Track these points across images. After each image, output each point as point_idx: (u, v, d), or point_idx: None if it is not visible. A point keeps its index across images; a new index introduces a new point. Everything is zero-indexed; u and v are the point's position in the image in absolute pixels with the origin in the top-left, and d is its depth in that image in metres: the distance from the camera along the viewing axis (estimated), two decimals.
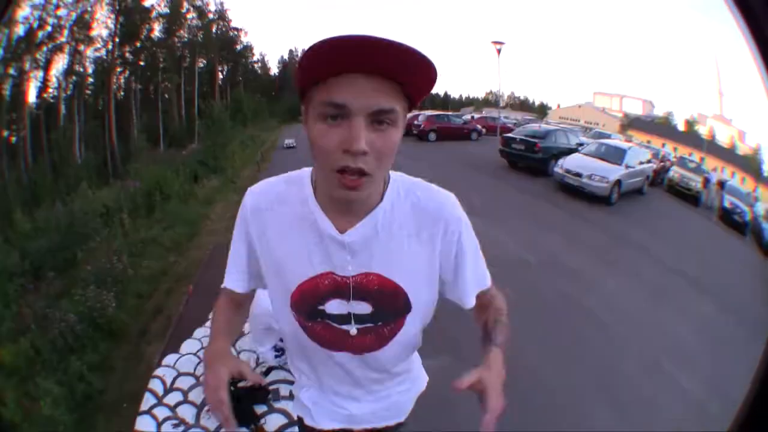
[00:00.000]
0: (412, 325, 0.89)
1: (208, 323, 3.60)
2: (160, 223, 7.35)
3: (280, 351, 2.53)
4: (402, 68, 0.61)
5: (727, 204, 11.84)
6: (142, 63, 18.48)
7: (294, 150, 15.04)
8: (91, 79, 16.20)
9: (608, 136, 15.79)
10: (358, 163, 0.64)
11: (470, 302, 0.89)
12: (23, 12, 13.71)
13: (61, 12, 15.06)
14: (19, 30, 13.62)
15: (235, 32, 25.33)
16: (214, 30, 22.74)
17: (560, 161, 10.46)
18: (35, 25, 14.00)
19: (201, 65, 22.05)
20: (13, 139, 12.98)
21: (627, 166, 10.21)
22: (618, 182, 9.63)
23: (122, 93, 17.45)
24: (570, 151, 11.45)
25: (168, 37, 19.52)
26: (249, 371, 0.80)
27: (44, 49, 14.43)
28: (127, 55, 17.68)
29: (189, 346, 3.34)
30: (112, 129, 15.35)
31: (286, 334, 0.95)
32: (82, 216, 6.63)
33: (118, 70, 17.10)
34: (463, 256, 0.85)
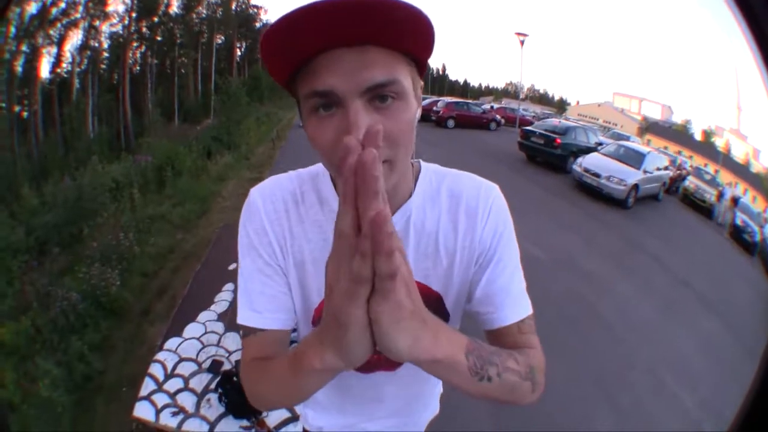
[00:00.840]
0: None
1: (213, 307, 3.55)
2: (171, 200, 7.26)
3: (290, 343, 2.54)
4: (390, 29, 0.49)
5: (738, 222, 11.77)
6: (158, 38, 18.30)
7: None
8: (106, 54, 16.08)
9: (627, 138, 15.71)
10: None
11: (500, 320, 0.70)
12: None
13: None
14: (32, 8, 13.49)
15: (255, 10, 24.96)
16: (233, 7, 22.45)
17: (579, 159, 10.39)
18: (48, 1, 13.87)
19: (219, 41, 21.87)
20: (25, 114, 12.90)
21: (645, 171, 10.14)
22: (635, 186, 9.55)
23: (138, 68, 17.31)
24: (589, 149, 11.39)
25: (186, 13, 19.33)
26: None
27: (58, 25, 14.30)
28: (144, 30, 17.52)
29: (192, 330, 3.29)
30: (126, 103, 15.26)
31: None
32: (90, 191, 6.51)
33: (134, 45, 16.93)
34: (500, 261, 0.72)
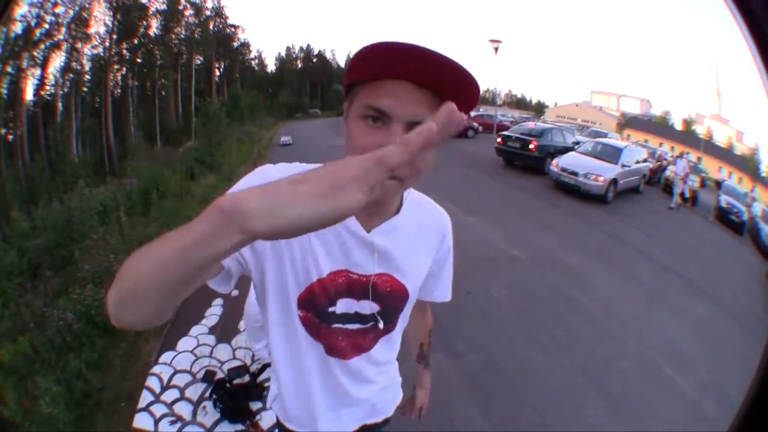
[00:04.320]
0: (402, 322, 0.98)
1: (203, 321, 3.68)
2: (157, 221, 7.35)
3: None
4: (450, 85, 0.62)
5: (723, 204, 11.93)
6: (139, 60, 18.43)
7: (290, 147, 15.15)
8: (88, 77, 16.21)
9: (605, 135, 15.81)
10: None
11: (432, 296, 1.04)
12: (21, 10, 13.72)
13: (59, 9, 15.08)
14: (17, 28, 13.64)
15: (232, 29, 25.26)
16: (211, 27, 22.78)
17: (556, 159, 10.49)
18: (33, 23, 14.03)
19: (198, 62, 22.07)
20: (11, 137, 13.02)
21: (623, 165, 10.26)
22: (614, 181, 9.68)
23: (119, 90, 17.44)
24: (566, 149, 11.50)
25: (165, 34, 19.50)
26: None
27: (42, 46, 14.44)
28: (125, 52, 17.66)
29: (185, 343, 3.42)
30: (109, 126, 15.41)
31: (278, 339, 0.91)
32: (79, 214, 6.59)
33: (115, 67, 17.10)
34: (447, 265, 1.02)
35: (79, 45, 15.68)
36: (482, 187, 9.84)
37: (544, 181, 10.60)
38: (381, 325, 0.89)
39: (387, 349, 0.99)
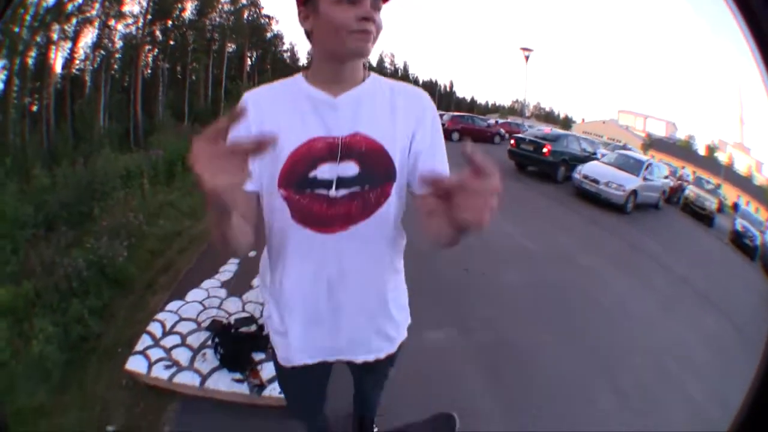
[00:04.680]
0: (394, 198, 0.98)
1: (216, 276, 3.66)
2: (180, 190, 7.44)
3: None
4: None
5: (739, 227, 11.78)
6: (171, 42, 18.48)
7: None
8: (119, 55, 16.27)
9: (627, 148, 15.61)
10: (367, 26, 0.86)
11: (445, 170, 1.00)
12: None
13: None
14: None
15: (266, 20, 25.17)
16: (245, 16, 22.71)
17: (579, 167, 10.39)
18: None
19: (230, 49, 22.08)
20: (35, 107, 13.23)
21: (645, 179, 10.20)
22: (634, 192, 9.62)
23: (149, 71, 17.49)
24: (581, 158, 11.29)
25: (199, 19, 19.53)
26: None
27: (73, 21, 14.46)
28: (157, 33, 17.74)
29: (195, 294, 3.40)
30: (137, 102, 15.45)
31: (272, 230, 1.02)
32: (103, 174, 6.67)
33: (147, 47, 17.08)
34: (437, 135, 1.01)
35: (112, 23, 15.71)
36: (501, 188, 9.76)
37: (566, 188, 10.51)
38: (367, 186, 0.94)
39: (383, 232, 1.01)
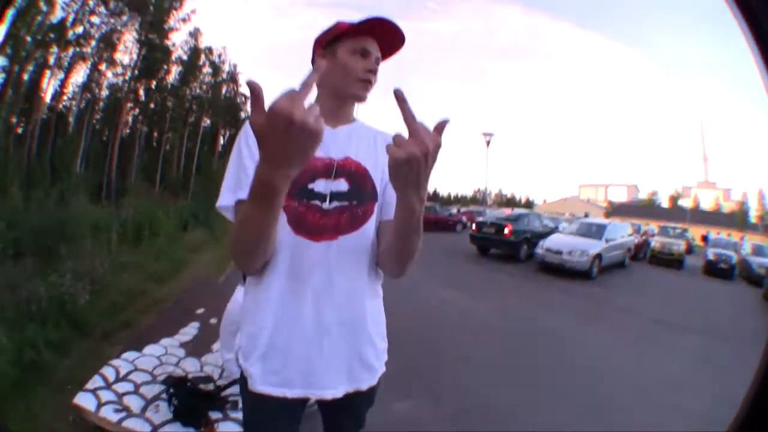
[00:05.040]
0: (375, 216, 1.15)
1: (176, 336, 3.58)
2: (145, 255, 7.42)
3: None
4: (396, 43, 1.16)
5: (711, 256, 12.17)
6: (152, 105, 18.82)
7: None
8: (103, 104, 16.52)
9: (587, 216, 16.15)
10: (370, 77, 1.14)
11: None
12: None
13: (95, 19, 15.44)
14: (56, 15, 14.00)
15: (242, 98, 25.76)
16: (223, 91, 23.36)
17: (541, 242, 10.52)
18: (70, 18, 14.35)
19: (206, 124, 22.50)
20: (20, 129, 13.37)
21: (607, 240, 10.42)
22: (598, 256, 9.79)
23: (128, 130, 17.68)
24: (544, 234, 11.43)
25: (181, 87, 20.02)
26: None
27: (70, 50, 14.73)
28: (141, 92, 18.09)
29: (153, 349, 3.29)
30: (113, 158, 15.51)
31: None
32: (74, 219, 6.70)
33: (129, 104, 17.40)
34: None
35: (103, 67, 16.06)
36: (466, 271, 9.93)
37: (530, 265, 10.59)
38: (355, 202, 1.11)
39: (366, 248, 1.14)
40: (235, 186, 1.05)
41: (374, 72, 1.13)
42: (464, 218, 19.25)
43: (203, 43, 20.98)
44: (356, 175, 1.13)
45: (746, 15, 0.59)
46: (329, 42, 1.15)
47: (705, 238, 15.44)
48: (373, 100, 1.20)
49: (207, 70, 21.86)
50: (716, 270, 11.75)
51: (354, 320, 1.13)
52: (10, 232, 6.10)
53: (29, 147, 12.87)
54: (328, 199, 1.09)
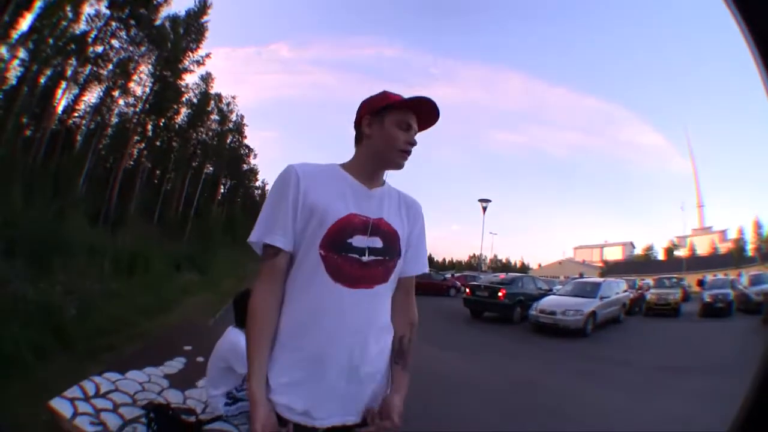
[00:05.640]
0: (398, 269, 1.26)
1: (161, 367, 3.46)
2: (137, 287, 7.37)
3: (231, 399, 2.44)
4: (430, 118, 1.27)
5: (707, 298, 12.13)
6: (158, 143, 19.11)
7: None
8: (111, 131, 16.76)
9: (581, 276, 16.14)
10: (410, 149, 1.24)
11: (414, 269, 1.33)
12: (90, 10, 14.50)
13: (114, 43, 15.84)
14: (80, 26, 14.36)
15: (246, 150, 26.84)
16: (228, 140, 24.18)
17: (535, 304, 10.43)
18: (92, 35, 14.66)
19: (208, 170, 23.12)
20: (29, 132, 13.43)
21: (602, 298, 10.31)
22: (593, 314, 9.64)
23: (132, 163, 17.84)
24: (538, 296, 11.35)
25: (188, 129, 20.39)
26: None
27: (88, 68, 15.04)
28: (149, 128, 18.34)
29: (136, 375, 3.13)
30: (115, 186, 15.48)
31: (301, 283, 1.18)
32: (72, 232, 6.66)
33: (136, 137, 17.54)
34: (420, 238, 1.34)
35: (116, 93, 16.41)
36: (459, 333, 9.75)
37: (524, 327, 10.47)
38: (387, 257, 1.22)
39: (389, 294, 1.27)
40: (266, 227, 1.17)
41: (413, 144, 1.24)
42: (458, 283, 19.17)
43: (214, 89, 21.61)
44: (388, 235, 1.24)
45: (746, 15, 0.60)
46: (378, 110, 1.24)
47: (701, 283, 15.46)
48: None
49: (215, 117, 22.41)
50: (713, 310, 11.82)
51: (379, 359, 1.23)
52: (4, 230, 6.10)
53: (35, 153, 12.98)
54: (367, 253, 1.18)
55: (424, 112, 1.25)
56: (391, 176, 1.32)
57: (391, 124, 1.22)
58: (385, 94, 1.27)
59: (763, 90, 0.59)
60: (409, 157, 1.26)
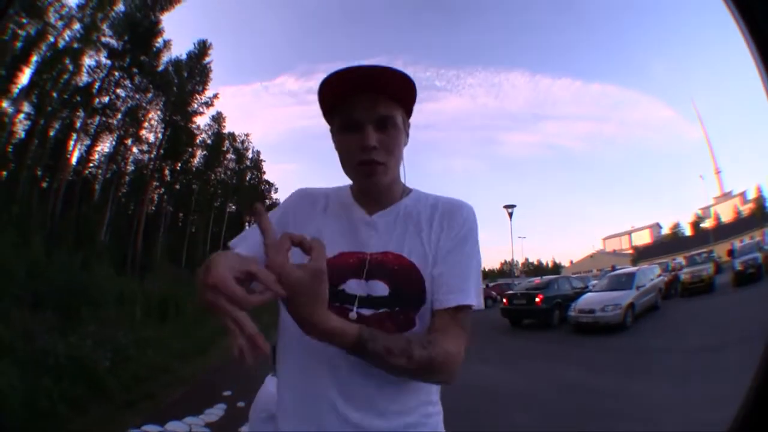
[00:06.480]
0: (422, 324, 0.84)
1: (201, 416, 3.50)
2: (172, 331, 7.44)
3: None
4: (386, 84, 0.82)
5: (739, 267, 11.90)
6: (177, 186, 19.17)
7: None
8: (128, 178, 16.84)
9: (614, 269, 15.90)
10: (372, 155, 0.81)
11: (442, 302, 0.83)
12: (90, 61, 14.63)
13: (120, 92, 15.89)
14: (82, 78, 14.51)
15: (267, 186, 26.39)
16: (248, 177, 24.14)
17: (573, 305, 10.29)
18: (96, 85, 14.77)
19: (231, 209, 23.10)
20: (44, 184, 13.53)
21: (638, 287, 10.17)
22: (631, 305, 9.52)
23: (153, 208, 17.90)
24: (574, 296, 11.18)
25: (206, 170, 20.48)
26: (257, 267, 0.63)
27: (96, 118, 15.09)
28: (166, 173, 18.42)
29: (176, 425, 3.20)
30: (139, 232, 15.54)
31: (289, 335, 0.87)
32: (99, 282, 6.75)
33: (155, 183, 17.60)
34: (455, 253, 0.88)
35: (129, 142, 16.45)
36: (500, 345, 9.50)
37: (564, 329, 10.30)
38: (399, 307, 0.84)
39: None
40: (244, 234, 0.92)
41: (368, 149, 0.82)
42: (493, 293, 18.71)
43: (226, 128, 21.75)
44: (400, 275, 0.86)
45: (746, 15, 0.58)
46: (325, 111, 0.89)
47: (731, 252, 15.01)
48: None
49: (231, 156, 22.54)
50: (746, 277, 11.47)
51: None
52: (30, 282, 6.11)
53: (53, 204, 13.02)
54: (356, 304, 0.83)
55: (381, 88, 0.82)
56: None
57: (336, 131, 0.87)
58: (318, 88, 0.84)
59: (764, 90, 0.57)
60: (386, 168, 0.84)
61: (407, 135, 0.90)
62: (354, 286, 0.84)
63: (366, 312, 0.82)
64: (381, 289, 0.84)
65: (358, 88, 0.81)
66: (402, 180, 0.96)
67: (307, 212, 0.93)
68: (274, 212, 0.93)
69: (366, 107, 0.82)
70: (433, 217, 0.90)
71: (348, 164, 0.85)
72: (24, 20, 11.87)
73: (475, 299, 0.84)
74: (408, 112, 0.89)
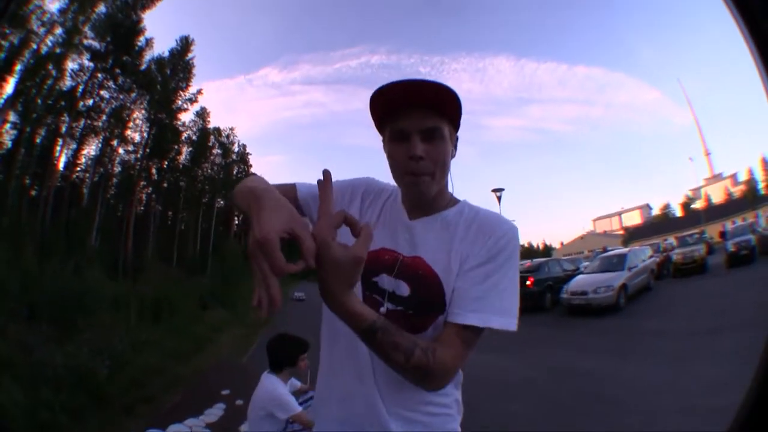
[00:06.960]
0: (434, 330, 0.89)
1: (202, 417, 3.50)
2: (166, 332, 7.41)
3: None
4: (434, 98, 0.86)
5: (731, 248, 11.87)
6: (165, 185, 19.06)
7: (303, 302, 15.71)
8: (116, 180, 16.74)
9: (605, 250, 16.01)
10: (419, 165, 0.86)
11: (453, 316, 0.86)
12: (73, 65, 14.49)
13: (104, 93, 15.75)
14: (65, 82, 14.36)
15: None
16: (234, 171, 23.88)
17: (565, 287, 10.32)
18: (80, 89, 14.64)
19: (220, 204, 22.82)
20: (33, 192, 13.47)
21: (630, 268, 10.18)
22: (623, 287, 9.54)
23: (142, 208, 17.81)
24: (566, 278, 11.21)
25: (192, 167, 20.31)
26: (303, 232, 0.66)
27: (81, 122, 14.99)
28: (153, 171, 18.30)
29: (177, 428, 3.19)
30: (129, 234, 15.45)
31: (325, 334, 0.98)
32: (92, 292, 6.71)
33: (142, 183, 17.51)
34: (495, 264, 0.90)
35: (114, 143, 16.34)
36: (491, 330, 9.73)
37: (557, 311, 10.37)
38: (411, 311, 0.89)
39: None
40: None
41: (416, 159, 0.85)
42: None
43: (211, 124, 21.58)
44: (422, 280, 0.90)
45: (746, 15, 0.58)
46: (377, 122, 0.94)
47: (723, 234, 15.13)
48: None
49: (217, 151, 22.42)
50: (739, 258, 11.46)
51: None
52: (24, 294, 6.11)
53: (43, 212, 12.96)
54: (386, 299, 0.91)
55: (429, 100, 0.85)
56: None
57: (387, 141, 0.91)
58: (370, 100, 0.90)
59: (764, 90, 0.57)
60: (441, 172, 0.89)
61: (455, 147, 0.96)
62: (385, 281, 0.92)
63: (389, 306, 0.90)
64: (404, 289, 0.90)
65: (406, 101, 0.86)
66: (450, 190, 1.00)
67: (371, 199, 1.03)
68: (339, 182, 1.02)
69: (413, 119, 0.87)
70: (468, 230, 0.93)
71: (396, 173, 0.91)
72: (7, 30, 11.64)
73: (490, 321, 0.86)
74: (455, 126, 0.94)
